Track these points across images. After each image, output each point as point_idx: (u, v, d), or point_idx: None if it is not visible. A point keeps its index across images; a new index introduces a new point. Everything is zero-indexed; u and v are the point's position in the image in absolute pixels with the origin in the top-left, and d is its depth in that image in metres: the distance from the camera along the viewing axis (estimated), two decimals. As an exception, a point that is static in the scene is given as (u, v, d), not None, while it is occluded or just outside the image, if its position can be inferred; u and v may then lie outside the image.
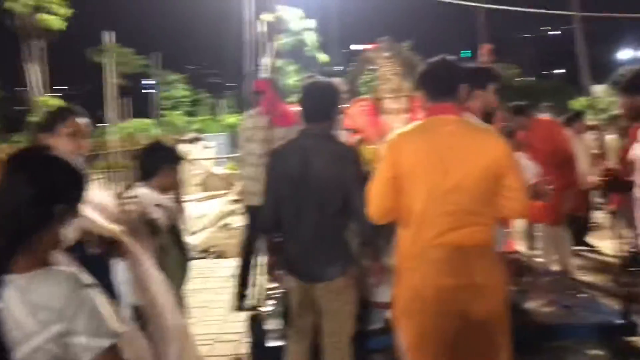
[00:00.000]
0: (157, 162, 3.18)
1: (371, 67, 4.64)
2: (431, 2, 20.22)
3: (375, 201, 2.67)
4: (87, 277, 1.53)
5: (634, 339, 4.18)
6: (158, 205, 2.97)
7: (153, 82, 28.00)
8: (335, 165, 2.99)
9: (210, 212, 9.70)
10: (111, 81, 19.26)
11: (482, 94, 3.38)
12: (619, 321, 4.01)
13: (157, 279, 2.59)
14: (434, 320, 2.54)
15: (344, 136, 4.13)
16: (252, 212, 4.94)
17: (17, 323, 1.43)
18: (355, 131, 4.43)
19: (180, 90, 24.91)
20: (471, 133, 2.61)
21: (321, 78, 3.55)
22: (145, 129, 18.02)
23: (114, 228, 2.42)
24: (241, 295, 5.45)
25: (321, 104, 3.13)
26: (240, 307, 5.41)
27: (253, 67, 19.88)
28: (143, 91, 30.88)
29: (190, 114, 24.76)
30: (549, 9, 17.58)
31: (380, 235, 3.53)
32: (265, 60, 18.22)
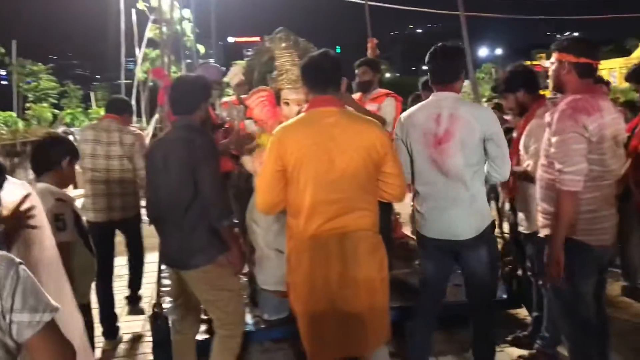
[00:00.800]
0: (57, 156, 2.97)
1: (269, 58, 4.61)
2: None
3: (264, 194, 2.82)
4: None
5: (517, 311, 4.60)
6: (60, 200, 2.77)
7: (4, 74, 25.66)
8: (188, 155, 3.05)
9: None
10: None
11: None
12: (504, 296, 4.39)
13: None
14: (324, 304, 2.75)
15: (251, 126, 4.09)
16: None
17: None
18: (255, 122, 4.40)
19: (46, 82, 23.12)
20: (352, 124, 2.78)
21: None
22: (7, 123, 16.52)
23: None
24: (131, 297, 5.23)
25: (186, 97, 3.21)
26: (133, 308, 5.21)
27: (127, 58, 18.94)
28: (3, 82, 28.20)
29: (58, 107, 23.12)
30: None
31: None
32: (140, 51, 17.45)
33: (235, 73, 5.14)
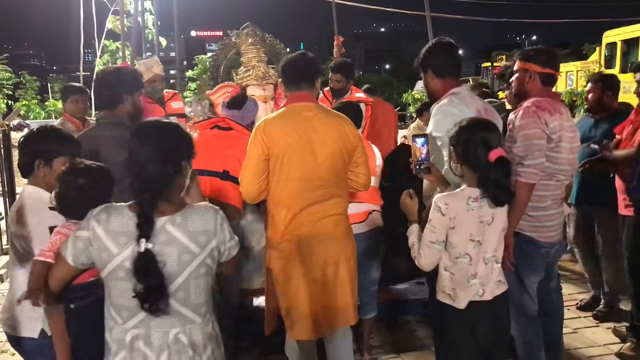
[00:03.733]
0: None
1: (235, 54, 4.56)
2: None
3: (250, 183, 2.92)
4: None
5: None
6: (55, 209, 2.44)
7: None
8: (119, 152, 2.96)
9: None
10: None
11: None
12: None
13: None
14: (309, 285, 2.90)
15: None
16: None
17: (183, 249, 1.86)
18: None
19: (1, 72, 22.32)
20: (328, 118, 2.97)
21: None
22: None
23: None
24: None
25: (108, 90, 3.09)
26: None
27: (87, 50, 18.49)
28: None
29: (12, 98, 22.31)
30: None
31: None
32: (100, 43, 17.02)
33: (148, 67, 4.93)
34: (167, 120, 2.05)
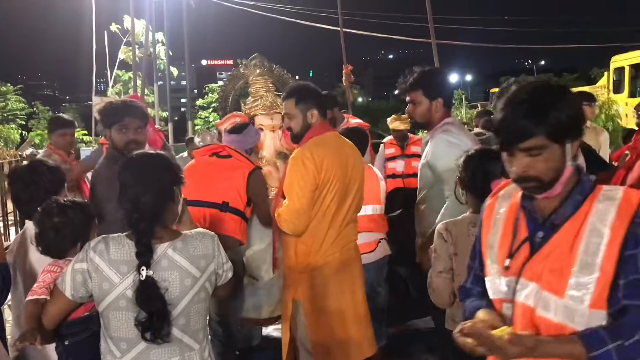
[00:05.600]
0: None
1: (244, 84, 4.63)
2: (283, 22, 20.76)
3: (305, 214, 2.81)
4: None
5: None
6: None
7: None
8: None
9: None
10: None
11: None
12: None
13: None
14: (349, 317, 2.93)
15: None
16: None
17: (184, 274, 1.91)
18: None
19: (14, 103, 22.67)
20: (349, 145, 3.04)
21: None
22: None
23: None
24: None
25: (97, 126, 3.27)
26: None
27: (99, 80, 18.77)
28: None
29: (26, 128, 22.61)
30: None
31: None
32: (113, 73, 17.31)
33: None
34: (153, 151, 2.14)
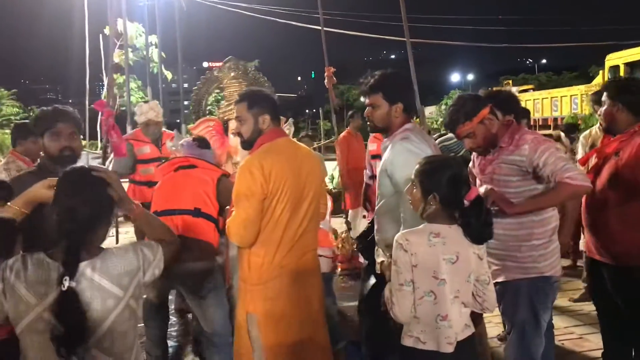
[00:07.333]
0: None
1: (218, 87, 4.56)
2: (277, 24, 20.70)
3: (253, 225, 2.73)
4: None
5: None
6: None
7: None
8: None
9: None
10: None
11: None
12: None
13: None
14: (302, 331, 2.83)
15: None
16: None
17: (106, 294, 1.80)
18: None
19: (9, 107, 22.64)
20: (304, 151, 2.96)
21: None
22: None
23: None
24: None
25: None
26: None
27: (93, 83, 18.69)
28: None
29: (21, 132, 22.54)
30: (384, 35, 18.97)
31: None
32: (106, 76, 17.24)
33: (143, 112, 5.00)
34: (88, 167, 2.04)
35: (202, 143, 3.76)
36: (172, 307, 4.97)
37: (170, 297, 4.57)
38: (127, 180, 5.22)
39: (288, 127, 4.28)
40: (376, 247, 2.99)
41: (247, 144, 2.92)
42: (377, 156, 5.52)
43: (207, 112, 4.83)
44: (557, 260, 2.97)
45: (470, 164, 3.22)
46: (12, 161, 4.45)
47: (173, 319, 4.95)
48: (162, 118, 5.19)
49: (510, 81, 28.35)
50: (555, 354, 3.38)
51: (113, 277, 1.84)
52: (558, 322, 4.50)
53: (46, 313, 1.74)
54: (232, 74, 4.41)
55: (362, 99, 3.03)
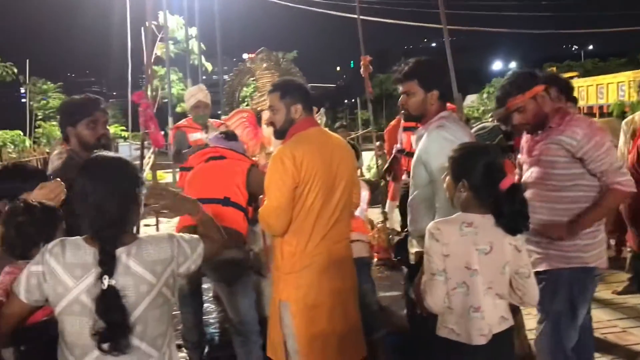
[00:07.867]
0: None
1: (251, 78, 4.58)
2: (315, 14, 20.65)
3: (285, 213, 2.75)
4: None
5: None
6: None
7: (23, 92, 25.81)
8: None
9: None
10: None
11: None
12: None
13: None
14: (338, 317, 2.85)
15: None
16: None
17: (139, 280, 1.84)
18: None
19: (56, 100, 23.25)
20: (336, 141, 2.96)
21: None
22: (14, 142, 16.62)
23: None
24: None
25: (59, 125, 3.13)
26: None
27: (137, 76, 19.08)
28: (23, 101, 28.36)
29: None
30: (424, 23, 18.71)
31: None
32: (148, 69, 17.54)
33: (192, 94, 5.01)
34: (111, 154, 2.02)
35: (229, 136, 3.79)
36: (211, 294, 5.03)
37: (209, 284, 4.64)
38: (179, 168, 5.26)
39: (320, 117, 4.27)
40: (409, 238, 2.96)
41: (280, 134, 2.93)
42: (409, 128, 5.09)
43: (242, 102, 4.84)
44: (603, 251, 2.88)
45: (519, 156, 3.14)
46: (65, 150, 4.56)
47: (212, 306, 5.02)
48: (210, 100, 5.17)
49: (555, 68, 27.49)
50: (597, 347, 3.29)
51: (147, 263, 1.87)
52: (601, 314, 4.40)
53: (83, 295, 1.79)
54: (265, 65, 4.42)
55: (398, 87, 2.97)
